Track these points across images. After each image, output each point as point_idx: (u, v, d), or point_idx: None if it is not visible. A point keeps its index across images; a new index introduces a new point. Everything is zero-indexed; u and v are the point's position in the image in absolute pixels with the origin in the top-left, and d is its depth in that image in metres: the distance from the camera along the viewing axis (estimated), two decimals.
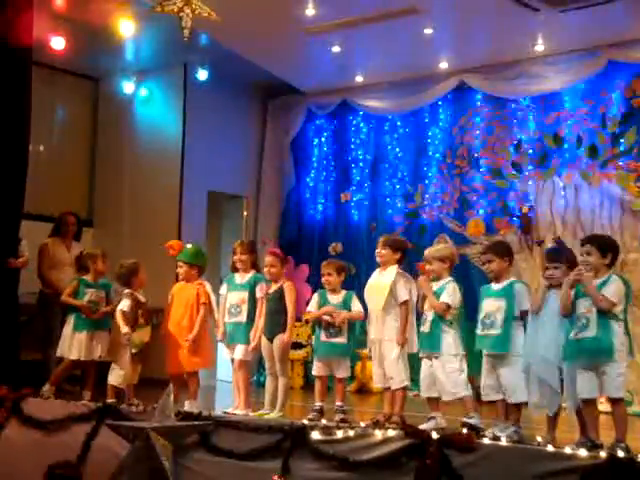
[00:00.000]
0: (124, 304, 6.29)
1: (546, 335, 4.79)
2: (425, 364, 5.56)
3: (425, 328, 5.53)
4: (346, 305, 5.89)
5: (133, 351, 6.21)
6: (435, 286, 5.66)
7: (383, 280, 5.80)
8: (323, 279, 6.01)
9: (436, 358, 5.45)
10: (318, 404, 5.82)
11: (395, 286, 5.72)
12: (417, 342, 5.69)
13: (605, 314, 4.50)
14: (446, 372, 5.40)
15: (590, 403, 4.56)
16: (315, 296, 6.06)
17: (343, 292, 5.97)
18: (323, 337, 5.89)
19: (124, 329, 6.17)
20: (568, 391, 4.67)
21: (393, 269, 5.82)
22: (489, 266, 5.31)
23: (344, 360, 5.88)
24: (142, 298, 6.41)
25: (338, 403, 5.81)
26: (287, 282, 6.01)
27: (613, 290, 4.55)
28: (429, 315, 5.51)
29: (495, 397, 5.14)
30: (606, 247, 4.72)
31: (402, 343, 5.67)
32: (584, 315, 4.57)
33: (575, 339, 4.59)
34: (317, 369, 5.93)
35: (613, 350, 4.47)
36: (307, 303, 6.24)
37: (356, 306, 5.91)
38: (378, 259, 5.90)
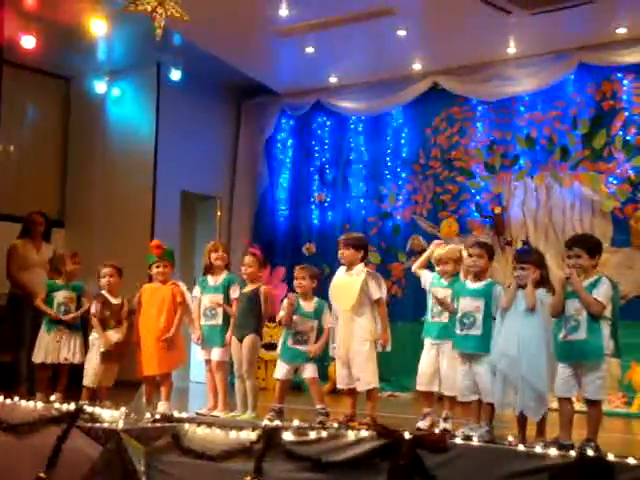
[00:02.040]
0: (93, 308, 6.33)
1: (509, 331, 4.80)
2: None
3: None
4: (317, 315, 5.80)
5: (102, 350, 6.19)
6: (444, 281, 5.67)
7: (351, 280, 5.77)
8: (296, 282, 5.88)
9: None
10: (278, 406, 5.73)
11: (366, 285, 5.70)
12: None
13: (595, 316, 4.49)
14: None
15: (566, 402, 4.58)
16: (286, 301, 5.88)
17: (315, 300, 5.85)
18: (290, 342, 5.81)
19: (96, 335, 6.22)
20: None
21: (360, 268, 5.81)
22: (478, 261, 5.26)
23: (309, 364, 5.81)
24: (113, 300, 6.38)
25: (318, 406, 5.65)
26: (263, 286, 5.94)
27: (604, 292, 4.52)
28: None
29: (471, 397, 5.14)
30: (594, 248, 4.69)
31: (385, 342, 5.67)
32: (574, 317, 4.54)
33: (565, 341, 4.56)
34: (280, 372, 5.79)
35: (601, 353, 4.47)
36: (282, 301, 6.18)
37: (327, 321, 5.80)
38: (342, 260, 5.86)
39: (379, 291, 5.71)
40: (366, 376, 5.60)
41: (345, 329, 5.67)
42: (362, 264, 5.81)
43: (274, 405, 5.73)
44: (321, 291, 5.98)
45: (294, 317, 5.78)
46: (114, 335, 6.27)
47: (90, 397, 6.10)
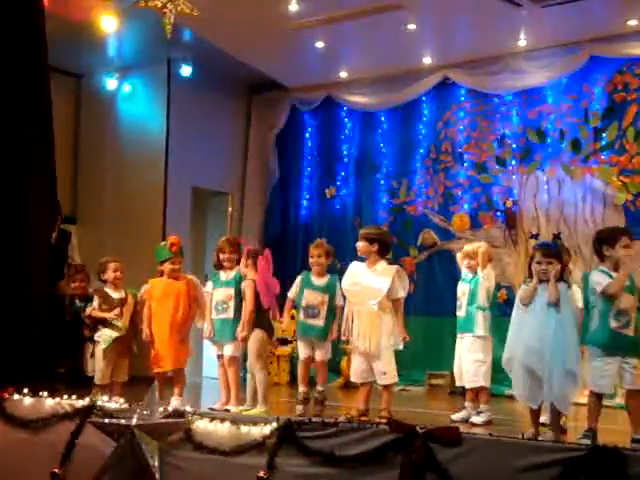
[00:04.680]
0: (91, 305, 6.35)
1: (532, 326, 4.80)
2: None
3: None
4: (330, 290, 5.91)
5: (103, 347, 6.20)
6: (469, 275, 6.17)
7: (377, 277, 5.78)
8: (312, 260, 5.99)
9: None
10: (302, 390, 5.88)
11: (394, 283, 5.74)
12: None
13: None
14: None
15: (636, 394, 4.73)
16: (298, 278, 6.06)
17: (327, 276, 6.00)
18: (302, 316, 5.97)
19: (99, 333, 6.24)
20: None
21: (384, 265, 5.84)
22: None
23: (322, 342, 5.91)
24: (115, 294, 6.37)
25: (319, 388, 5.88)
26: (247, 280, 5.92)
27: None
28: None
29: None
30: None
31: (405, 337, 5.74)
32: (627, 312, 4.72)
33: (618, 333, 4.73)
34: (300, 350, 5.99)
35: None
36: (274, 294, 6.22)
37: (340, 299, 5.93)
38: (358, 253, 5.94)
39: (403, 291, 5.77)
40: (391, 370, 5.68)
41: (369, 324, 5.69)
42: (384, 261, 5.85)
43: (300, 392, 5.88)
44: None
45: (305, 291, 5.91)
46: (112, 331, 6.25)
47: (102, 393, 6.11)
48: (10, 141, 6.03)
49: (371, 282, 5.76)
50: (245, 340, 5.86)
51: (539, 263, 4.82)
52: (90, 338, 6.50)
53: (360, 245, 5.86)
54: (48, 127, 6.50)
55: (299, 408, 5.86)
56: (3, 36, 5.99)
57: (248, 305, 5.84)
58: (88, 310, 6.36)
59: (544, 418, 4.93)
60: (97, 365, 6.25)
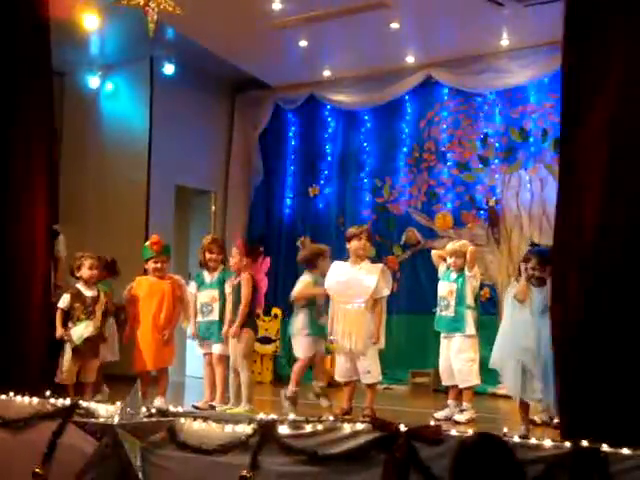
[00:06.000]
0: (62, 301, 6.11)
1: (526, 327, 4.83)
2: None
3: None
4: None
5: (72, 346, 6.00)
6: (454, 274, 6.15)
7: (365, 275, 5.79)
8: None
9: None
10: (294, 389, 5.94)
11: (378, 282, 5.74)
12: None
13: None
14: None
15: None
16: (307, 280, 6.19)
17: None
18: (316, 317, 6.12)
19: (58, 330, 5.99)
20: None
21: (368, 263, 5.87)
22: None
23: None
24: (87, 292, 6.23)
25: (320, 384, 5.97)
26: (245, 274, 5.94)
27: None
28: None
29: None
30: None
31: (378, 338, 5.74)
32: None
33: None
34: (310, 348, 6.09)
35: None
36: (265, 296, 6.26)
37: None
38: (361, 252, 5.89)
39: (387, 289, 5.79)
40: (376, 368, 5.70)
41: (355, 323, 5.69)
42: (367, 259, 5.90)
43: (291, 390, 5.93)
44: None
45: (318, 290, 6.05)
46: (83, 330, 6.07)
47: (56, 392, 5.95)
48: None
49: (359, 280, 5.77)
50: (235, 336, 5.86)
51: (534, 269, 4.86)
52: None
53: (367, 245, 5.88)
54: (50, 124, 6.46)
55: (286, 406, 5.83)
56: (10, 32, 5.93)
57: (243, 300, 5.84)
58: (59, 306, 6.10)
59: (536, 417, 4.97)
60: (63, 364, 6.00)
